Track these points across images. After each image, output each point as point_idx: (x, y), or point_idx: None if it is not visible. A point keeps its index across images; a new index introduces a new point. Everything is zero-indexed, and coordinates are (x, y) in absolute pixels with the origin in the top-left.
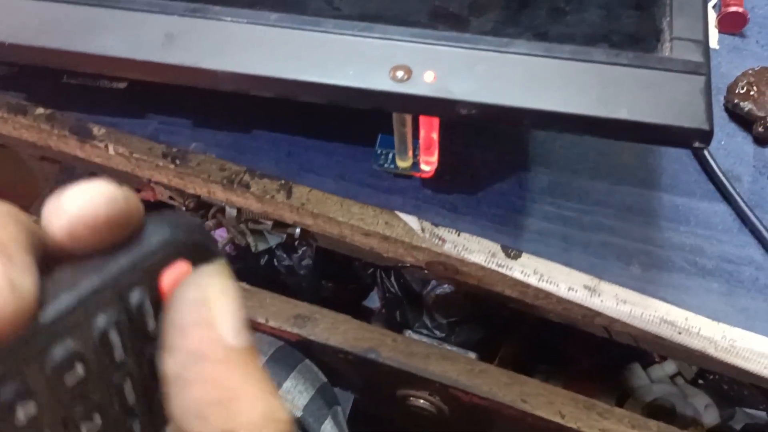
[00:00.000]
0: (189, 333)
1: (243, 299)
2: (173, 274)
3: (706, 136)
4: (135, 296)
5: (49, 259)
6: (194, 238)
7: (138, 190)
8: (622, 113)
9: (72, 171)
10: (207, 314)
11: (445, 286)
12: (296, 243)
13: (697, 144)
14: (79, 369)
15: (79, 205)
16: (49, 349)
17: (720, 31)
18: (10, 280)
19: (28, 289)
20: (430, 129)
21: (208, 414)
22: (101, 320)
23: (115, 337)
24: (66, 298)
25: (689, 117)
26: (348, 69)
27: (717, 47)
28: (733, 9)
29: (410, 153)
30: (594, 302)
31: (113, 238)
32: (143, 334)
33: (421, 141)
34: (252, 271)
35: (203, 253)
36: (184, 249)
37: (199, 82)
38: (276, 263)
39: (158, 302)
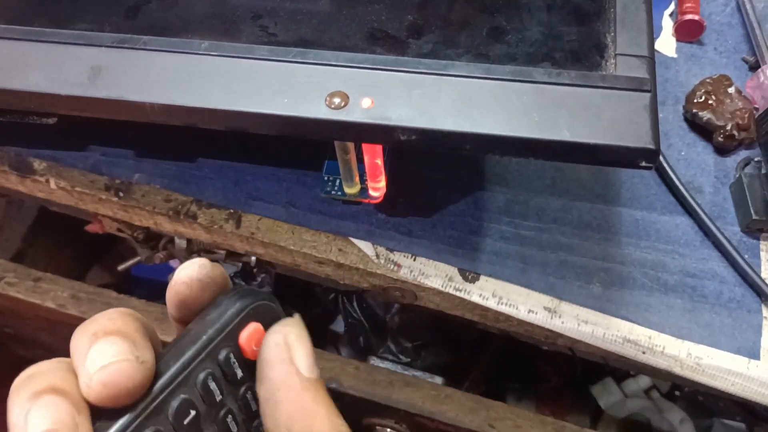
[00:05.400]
0: (275, 367)
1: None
2: (247, 333)
3: (653, 155)
4: (222, 354)
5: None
6: (258, 304)
7: (87, 222)
8: (564, 135)
9: (20, 204)
10: (287, 354)
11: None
12: (254, 270)
13: (643, 164)
14: (192, 412)
15: (181, 273)
16: (169, 402)
17: (677, 39)
18: (137, 357)
19: (149, 361)
20: (374, 155)
21: (292, 427)
22: (201, 375)
23: (213, 385)
24: (175, 365)
25: (634, 136)
26: (282, 97)
27: (675, 56)
28: (689, 17)
29: (357, 179)
30: (555, 324)
31: (206, 301)
32: (234, 380)
33: (367, 168)
34: None
35: (269, 313)
36: (253, 313)
37: (128, 116)
38: None
39: (240, 355)
